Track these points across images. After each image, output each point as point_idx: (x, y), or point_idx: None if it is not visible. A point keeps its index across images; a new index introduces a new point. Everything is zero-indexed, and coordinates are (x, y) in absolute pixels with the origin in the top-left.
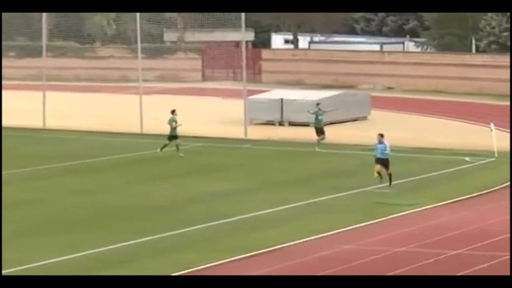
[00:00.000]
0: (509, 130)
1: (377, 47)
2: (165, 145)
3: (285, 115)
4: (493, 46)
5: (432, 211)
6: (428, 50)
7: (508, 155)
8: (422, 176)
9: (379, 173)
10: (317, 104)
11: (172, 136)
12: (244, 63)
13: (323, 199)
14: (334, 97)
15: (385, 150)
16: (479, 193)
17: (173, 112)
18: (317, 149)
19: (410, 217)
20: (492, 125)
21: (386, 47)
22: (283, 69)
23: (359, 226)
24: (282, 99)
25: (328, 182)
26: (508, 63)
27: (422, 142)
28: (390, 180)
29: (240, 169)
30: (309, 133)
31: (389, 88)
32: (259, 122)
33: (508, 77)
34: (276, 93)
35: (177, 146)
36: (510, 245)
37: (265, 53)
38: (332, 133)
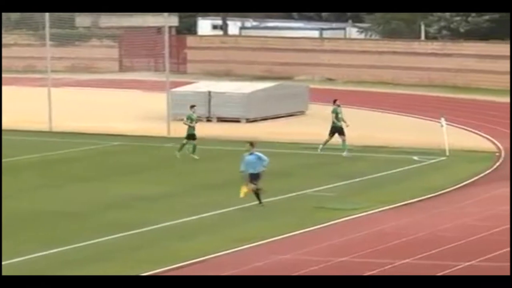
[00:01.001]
0: (462, 126)
1: (316, 34)
2: (183, 145)
3: (213, 109)
4: (444, 32)
5: (378, 216)
6: (373, 36)
7: (461, 153)
8: (366, 178)
9: (253, 191)
10: (335, 101)
11: (190, 135)
12: (166, 51)
13: (256, 204)
14: (268, 89)
15: (259, 163)
16: (429, 195)
17: (191, 107)
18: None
19: (353, 223)
20: (442, 120)
21: (326, 33)
22: (211, 58)
23: (297, 234)
24: (209, 92)
25: (261, 184)
26: (461, 51)
27: (365, 140)
28: (260, 198)
29: (163, 171)
30: (240, 130)
31: (330, 80)
32: (184, 117)
33: (456, 66)
34: (203, 85)
35: (193, 146)
36: (510, 246)
37: (190, 40)
38: (265, 130)
